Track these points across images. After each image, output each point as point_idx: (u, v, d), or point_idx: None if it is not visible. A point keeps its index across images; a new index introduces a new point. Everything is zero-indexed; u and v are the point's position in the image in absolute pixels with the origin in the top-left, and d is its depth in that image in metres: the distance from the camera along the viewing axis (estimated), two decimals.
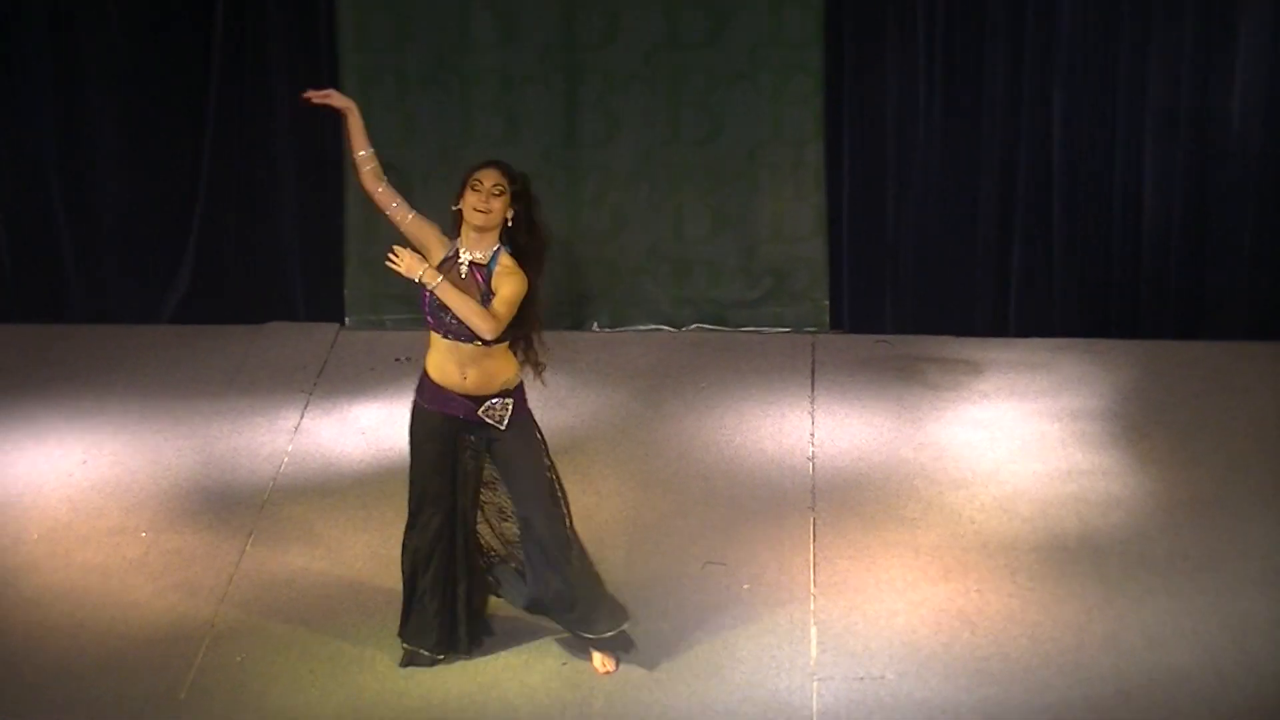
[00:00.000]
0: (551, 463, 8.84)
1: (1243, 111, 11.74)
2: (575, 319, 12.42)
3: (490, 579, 9.04)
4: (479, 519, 8.91)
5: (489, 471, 8.80)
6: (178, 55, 12.20)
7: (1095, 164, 11.96)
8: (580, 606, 8.84)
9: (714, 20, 12.03)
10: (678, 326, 12.46)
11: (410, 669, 8.87)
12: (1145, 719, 8.50)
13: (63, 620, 9.34)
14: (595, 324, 12.45)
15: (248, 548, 9.93)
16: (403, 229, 8.60)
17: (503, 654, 8.98)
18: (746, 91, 12.13)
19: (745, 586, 9.55)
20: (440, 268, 8.50)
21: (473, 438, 8.70)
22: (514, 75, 12.18)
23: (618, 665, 8.89)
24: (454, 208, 8.57)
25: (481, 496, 8.87)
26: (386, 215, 8.62)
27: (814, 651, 9.02)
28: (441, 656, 8.91)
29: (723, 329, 12.43)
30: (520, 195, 8.59)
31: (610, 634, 8.88)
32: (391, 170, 8.62)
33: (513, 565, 8.98)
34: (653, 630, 9.15)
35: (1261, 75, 11.69)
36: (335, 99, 8.81)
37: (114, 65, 12.20)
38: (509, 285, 8.47)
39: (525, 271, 8.52)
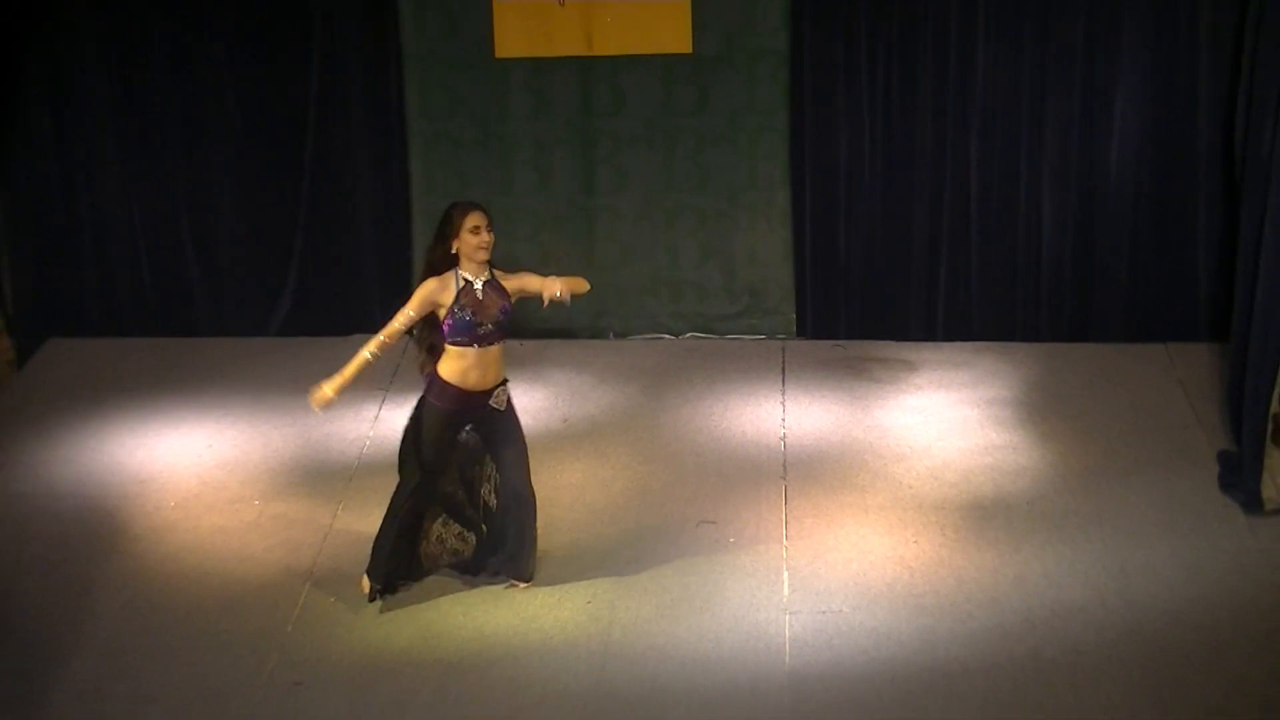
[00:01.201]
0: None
1: (1119, 161, 11.72)
2: (593, 330, 12.42)
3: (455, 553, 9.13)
4: (460, 487, 9.00)
5: (479, 446, 8.91)
6: (281, 126, 12.21)
7: (1004, 203, 11.94)
8: (512, 548, 8.95)
9: (701, 94, 12.02)
10: (675, 335, 12.45)
11: (464, 609, 8.88)
12: (1046, 642, 8.49)
13: (193, 570, 9.36)
14: (610, 334, 12.44)
15: (339, 512, 9.94)
16: (416, 323, 8.64)
17: (539, 593, 8.98)
18: (727, 149, 12.13)
19: (730, 540, 9.54)
20: (460, 299, 8.56)
21: (474, 422, 8.79)
22: (544, 139, 12.18)
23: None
24: (452, 250, 8.58)
25: (466, 470, 8.97)
26: (400, 336, 8.68)
27: (786, 591, 9.02)
28: (386, 590, 8.96)
29: (710, 337, 12.42)
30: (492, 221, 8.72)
31: (529, 580, 8.99)
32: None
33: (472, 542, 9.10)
34: (657, 575, 9.16)
35: (1133, 134, 11.68)
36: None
37: (231, 133, 12.21)
38: (519, 275, 8.76)
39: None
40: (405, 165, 12.25)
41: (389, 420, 11.01)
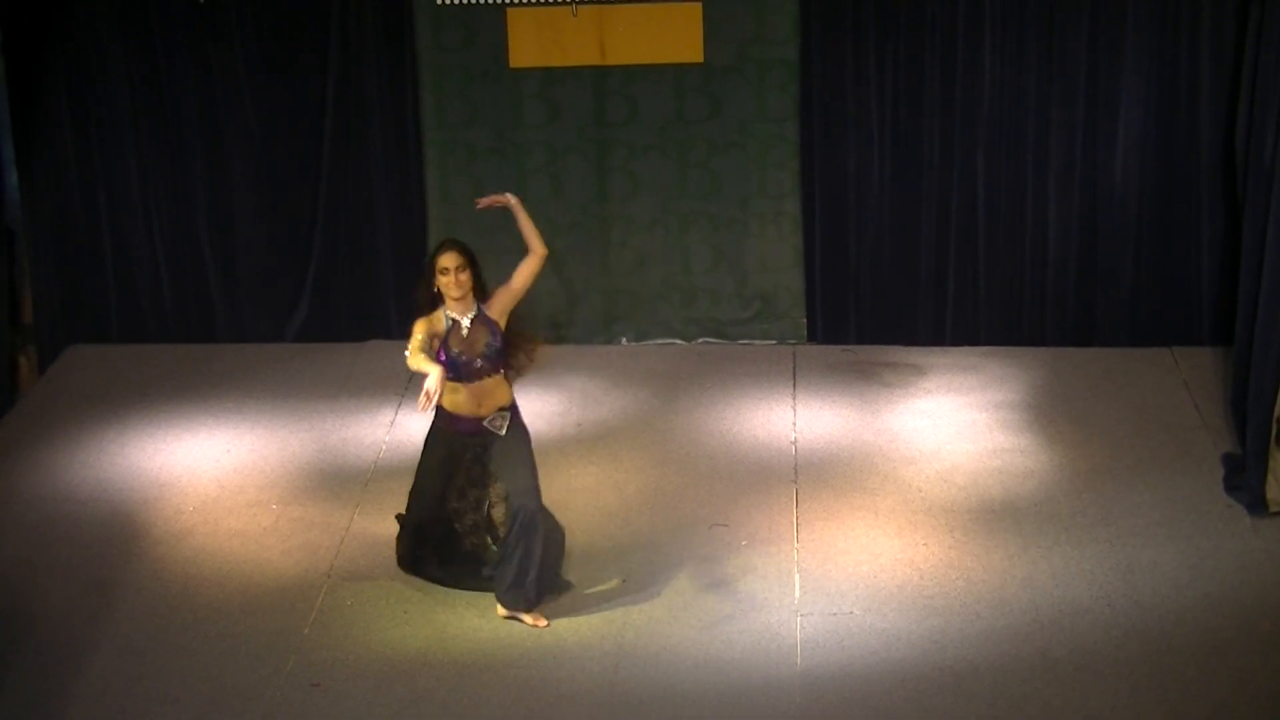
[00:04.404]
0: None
1: (1123, 170, 11.70)
2: (608, 336, 12.39)
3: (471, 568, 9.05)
4: (467, 506, 8.88)
5: (479, 469, 8.77)
6: (299, 135, 12.18)
7: (1010, 211, 11.91)
8: (516, 575, 8.74)
9: (712, 102, 11.99)
10: (687, 340, 12.41)
11: (479, 611, 8.85)
12: (1054, 642, 8.48)
13: (212, 573, 9.35)
14: (624, 339, 12.41)
15: (355, 516, 9.92)
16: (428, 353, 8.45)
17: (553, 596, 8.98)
18: (738, 157, 12.09)
19: (742, 542, 9.53)
20: (449, 338, 8.50)
21: (475, 446, 8.70)
22: (557, 147, 12.15)
23: (548, 623, 8.80)
24: (433, 291, 8.53)
25: (470, 492, 8.84)
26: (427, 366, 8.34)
27: (797, 593, 9.00)
28: (413, 569, 9.06)
29: (722, 342, 12.37)
30: (473, 260, 8.58)
31: (533, 608, 8.82)
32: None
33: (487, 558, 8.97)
34: (671, 577, 9.15)
35: (1137, 141, 11.65)
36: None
37: (249, 143, 12.19)
38: (497, 294, 8.66)
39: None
40: (421, 173, 12.23)
41: (404, 425, 11.00)
